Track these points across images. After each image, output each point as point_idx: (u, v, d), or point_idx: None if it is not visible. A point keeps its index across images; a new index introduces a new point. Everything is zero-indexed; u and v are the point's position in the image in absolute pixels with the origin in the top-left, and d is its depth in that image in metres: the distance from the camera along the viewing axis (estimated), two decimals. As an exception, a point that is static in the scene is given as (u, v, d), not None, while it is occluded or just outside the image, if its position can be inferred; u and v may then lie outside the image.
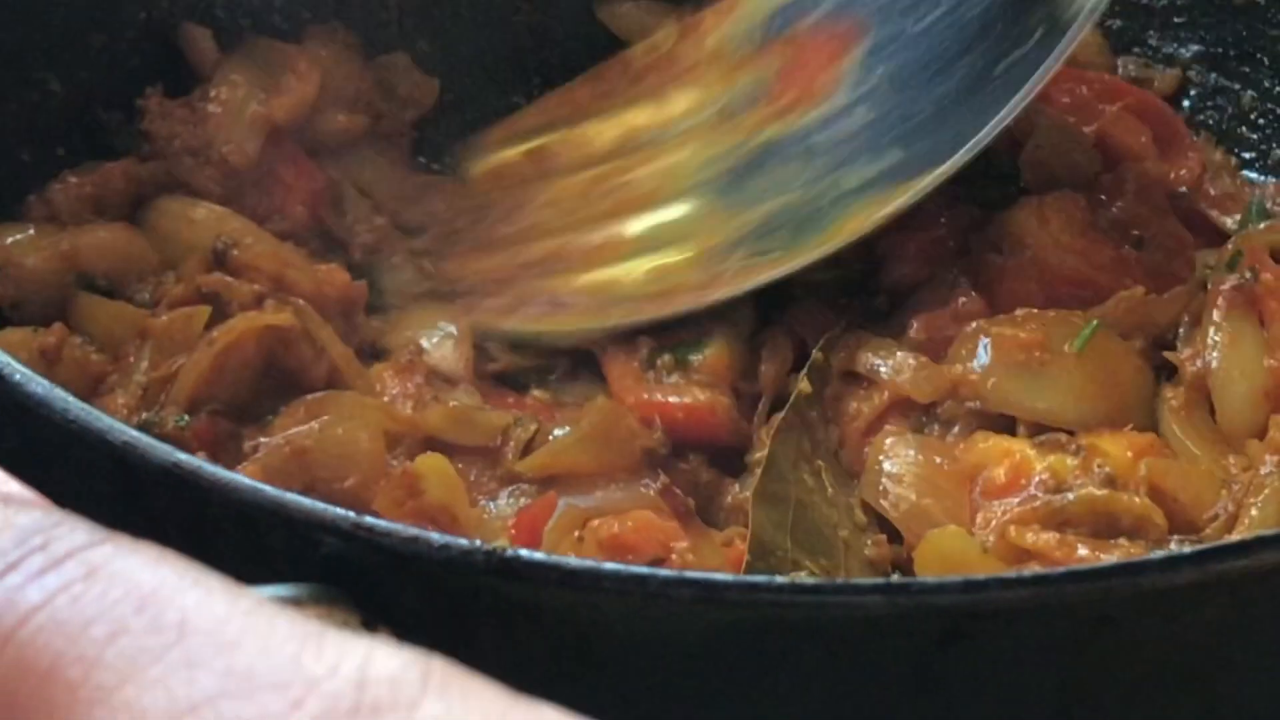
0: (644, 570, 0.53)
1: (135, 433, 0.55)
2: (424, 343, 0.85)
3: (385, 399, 0.81)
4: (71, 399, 0.56)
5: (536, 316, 0.84)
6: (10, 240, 0.82)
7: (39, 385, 0.57)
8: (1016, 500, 0.75)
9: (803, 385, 0.80)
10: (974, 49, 0.86)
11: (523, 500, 0.78)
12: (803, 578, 0.70)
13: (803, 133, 0.88)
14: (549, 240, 0.87)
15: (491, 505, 0.78)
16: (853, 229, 0.82)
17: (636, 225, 0.87)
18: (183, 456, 0.54)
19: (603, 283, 0.85)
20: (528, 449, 0.79)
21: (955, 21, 0.87)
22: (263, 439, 0.77)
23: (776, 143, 0.88)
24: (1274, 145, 0.91)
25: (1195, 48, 0.94)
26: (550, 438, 0.79)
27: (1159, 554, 0.67)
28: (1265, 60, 0.91)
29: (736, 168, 0.88)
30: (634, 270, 0.85)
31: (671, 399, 0.81)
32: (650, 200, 0.88)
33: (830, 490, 0.77)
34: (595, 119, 0.92)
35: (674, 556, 0.72)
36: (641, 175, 0.89)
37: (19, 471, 0.59)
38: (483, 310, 0.84)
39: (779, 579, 0.57)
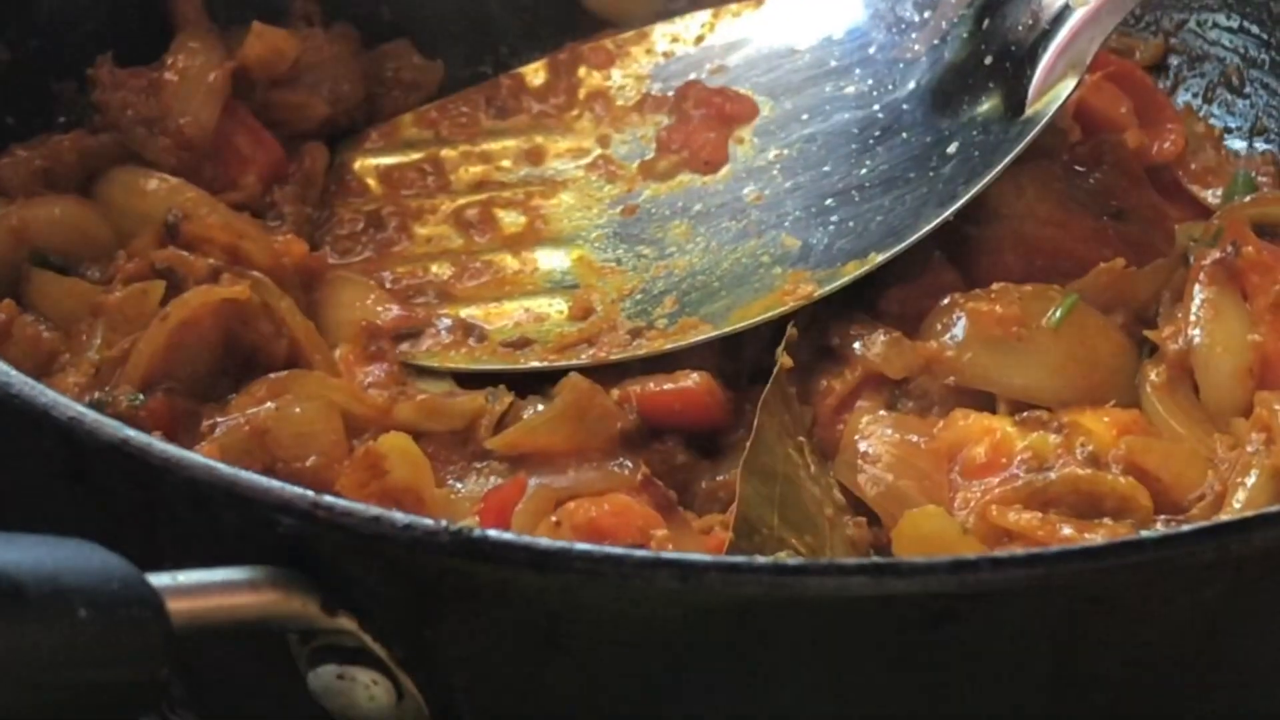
0: (619, 551, 0.51)
1: (81, 408, 0.54)
2: (379, 312, 0.83)
3: (355, 384, 0.80)
4: (14, 373, 0.55)
5: (447, 346, 0.82)
6: (-43, 215, 0.80)
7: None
8: (997, 480, 0.73)
9: (784, 360, 0.78)
10: (893, 139, 0.85)
11: (493, 480, 0.76)
12: (785, 557, 0.68)
13: (689, 199, 0.87)
14: (441, 263, 0.87)
15: (459, 485, 0.76)
16: (759, 311, 0.81)
17: (533, 263, 0.86)
18: (131, 433, 0.53)
19: (513, 319, 0.84)
20: (499, 425, 0.78)
21: (862, 116, 0.87)
22: (221, 418, 0.75)
23: (660, 203, 0.87)
24: (1261, 115, 0.90)
25: (1179, 15, 0.93)
26: (523, 415, 0.78)
27: (1156, 532, 0.65)
28: (1252, 27, 0.90)
29: (618, 224, 0.87)
30: (544, 311, 0.84)
31: (666, 385, 0.79)
32: (540, 239, 0.87)
33: (813, 468, 0.76)
34: (487, 139, 0.91)
35: (652, 545, 0.70)
36: (539, 206, 0.88)
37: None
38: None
39: (760, 560, 0.56)
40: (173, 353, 0.76)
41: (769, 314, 0.80)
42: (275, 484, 0.52)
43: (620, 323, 0.82)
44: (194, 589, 0.49)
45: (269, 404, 0.74)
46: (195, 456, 0.52)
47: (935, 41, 0.86)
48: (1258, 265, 0.79)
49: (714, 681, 0.54)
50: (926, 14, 0.87)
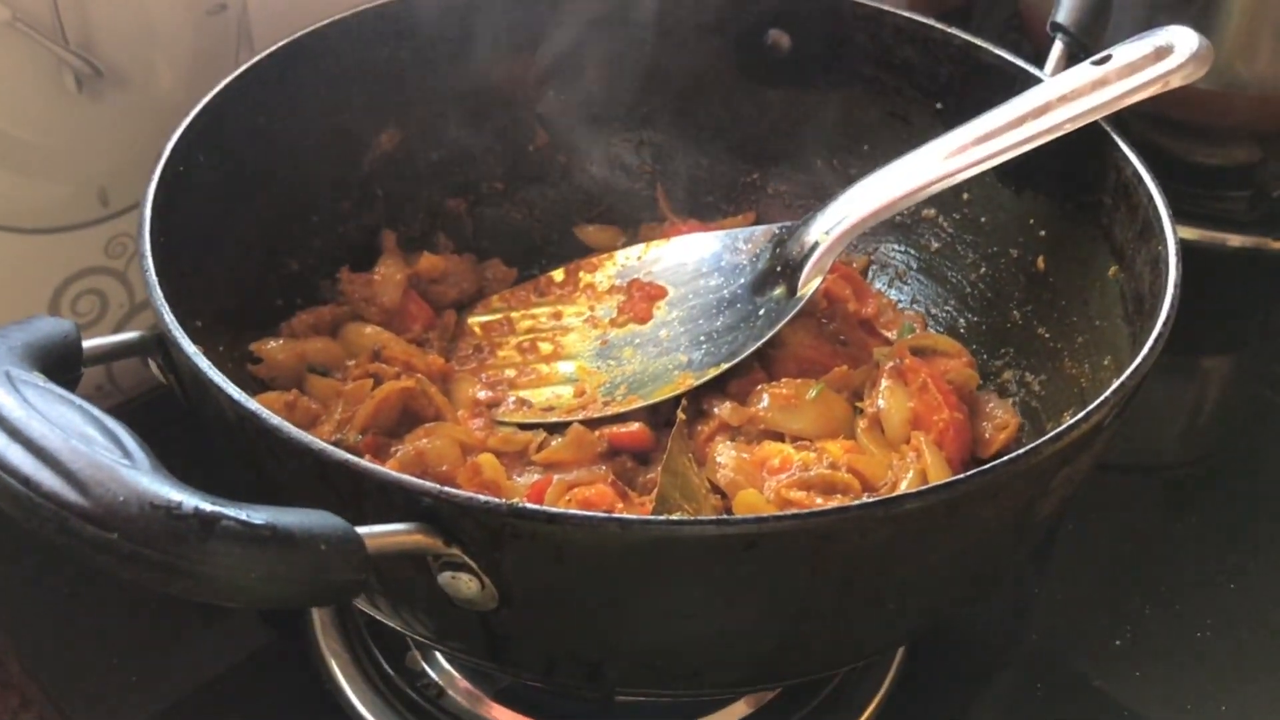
0: (593, 513, 0.51)
1: (326, 444, 0.52)
2: (480, 394, 0.82)
3: (468, 429, 0.78)
4: (295, 428, 0.53)
5: (510, 411, 0.80)
6: (271, 346, 0.79)
7: (278, 422, 0.53)
8: (785, 476, 0.72)
9: (681, 416, 0.77)
10: (733, 307, 0.83)
11: (535, 477, 0.75)
12: (680, 516, 0.67)
13: (633, 337, 0.84)
14: (511, 369, 0.84)
15: (519, 479, 0.75)
16: (667, 392, 0.79)
17: (556, 369, 0.84)
18: (351, 457, 0.51)
19: (545, 397, 0.82)
20: (539, 449, 0.77)
21: (718, 296, 0.84)
22: (399, 447, 0.74)
23: (619, 339, 0.85)
24: (915, 294, 0.91)
25: (873, 244, 0.93)
26: (551, 444, 0.77)
27: (861, 501, 0.64)
28: (911, 250, 0.91)
29: (599, 349, 0.85)
30: (561, 393, 0.82)
31: (622, 429, 0.78)
32: (559, 357, 0.85)
33: (696, 469, 0.74)
34: (534, 307, 0.89)
35: (615, 512, 0.69)
36: (559, 340, 0.86)
37: (264, 467, 0.57)
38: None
39: (665, 517, 0.55)
40: (376, 415, 0.75)
41: (672, 394, 0.79)
42: (424, 482, 0.50)
43: (599, 398, 0.81)
44: (380, 534, 0.48)
45: (424, 440, 0.73)
46: (384, 470, 0.51)
47: (753, 259, 0.85)
48: (912, 369, 0.78)
49: (639, 584, 0.52)
50: (749, 246, 0.86)
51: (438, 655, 0.77)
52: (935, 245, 0.87)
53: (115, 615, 0.79)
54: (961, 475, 0.52)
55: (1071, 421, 0.55)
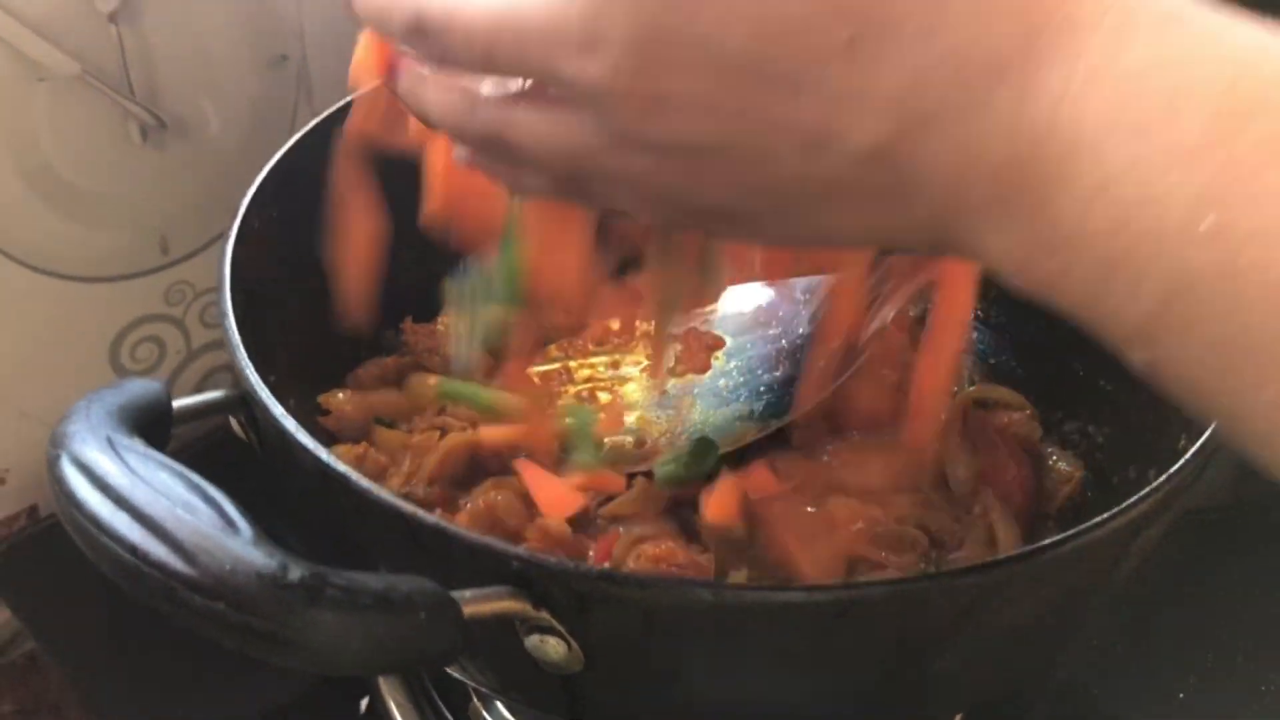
0: (686, 579, 0.51)
1: (405, 503, 0.52)
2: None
3: None
4: (369, 483, 0.53)
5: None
6: (339, 398, 0.79)
7: (368, 484, 0.54)
8: (853, 531, 0.71)
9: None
10: (793, 358, 0.82)
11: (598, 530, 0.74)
12: (769, 582, 0.66)
13: (692, 387, 0.84)
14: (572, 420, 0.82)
15: (584, 534, 0.73)
16: (730, 444, 0.78)
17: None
18: (443, 523, 0.51)
19: (608, 445, 0.80)
20: (604, 503, 0.76)
21: (777, 347, 0.83)
22: (467, 501, 0.74)
23: (678, 389, 0.84)
24: (973, 347, 0.90)
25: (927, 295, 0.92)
26: (617, 498, 0.76)
27: (950, 570, 0.63)
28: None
29: (658, 399, 0.83)
30: (622, 442, 0.81)
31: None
32: (624, 407, 0.84)
33: None
34: (592, 356, 0.88)
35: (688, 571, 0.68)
36: (618, 391, 0.85)
37: (338, 521, 0.57)
38: None
39: (757, 584, 0.55)
40: (444, 467, 0.75)
41: (734, 446, 0.78)
42: (512, 546, 0.50)
43: (661, 448, 0.80)
44: (473, 598, 0.48)
45: (492, 493, 0.73)
46: (474, 534, 0.51)
47: (813, 309, 0.85)
48: (976, 423, 0.78)
49: (723, 649, 0.52)
50: (806, 295, 0.86)
51: (499, 706, 0.76)
52: (991, 293, 0.87)
53: (171, 658, 0.79)
54: (1059, 536, 0.52)
55: (1170, 472, 0.55)
